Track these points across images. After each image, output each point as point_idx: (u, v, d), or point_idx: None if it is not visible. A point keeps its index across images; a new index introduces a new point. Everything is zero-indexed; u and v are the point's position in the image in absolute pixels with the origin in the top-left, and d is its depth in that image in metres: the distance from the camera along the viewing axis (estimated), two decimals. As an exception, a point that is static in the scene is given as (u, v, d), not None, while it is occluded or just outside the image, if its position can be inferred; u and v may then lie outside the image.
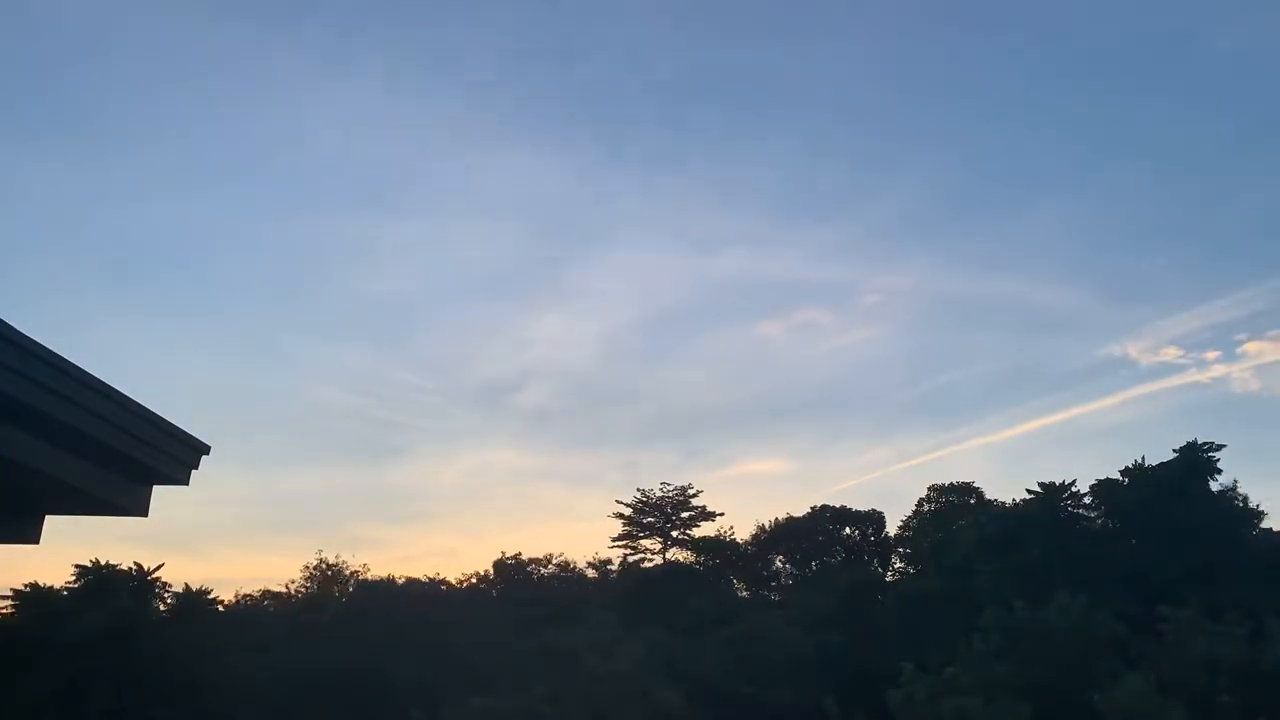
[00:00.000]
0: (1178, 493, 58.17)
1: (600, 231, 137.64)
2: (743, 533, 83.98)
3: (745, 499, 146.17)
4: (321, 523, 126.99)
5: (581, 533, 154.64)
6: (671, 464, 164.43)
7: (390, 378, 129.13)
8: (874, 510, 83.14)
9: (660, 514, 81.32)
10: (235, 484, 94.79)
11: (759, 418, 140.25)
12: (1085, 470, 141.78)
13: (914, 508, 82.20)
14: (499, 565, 76.13)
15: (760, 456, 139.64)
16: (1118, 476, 62.89)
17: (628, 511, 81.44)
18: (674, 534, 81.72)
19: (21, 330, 4.75)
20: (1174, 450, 61.16)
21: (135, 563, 58.87)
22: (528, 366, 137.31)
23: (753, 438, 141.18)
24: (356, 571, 72.45)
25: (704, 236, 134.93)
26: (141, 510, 6.18)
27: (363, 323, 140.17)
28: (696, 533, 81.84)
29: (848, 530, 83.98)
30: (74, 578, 56.85)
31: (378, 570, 74.26)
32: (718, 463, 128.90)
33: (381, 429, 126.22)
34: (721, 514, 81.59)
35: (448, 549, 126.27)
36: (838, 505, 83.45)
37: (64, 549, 56.56)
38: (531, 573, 76.30)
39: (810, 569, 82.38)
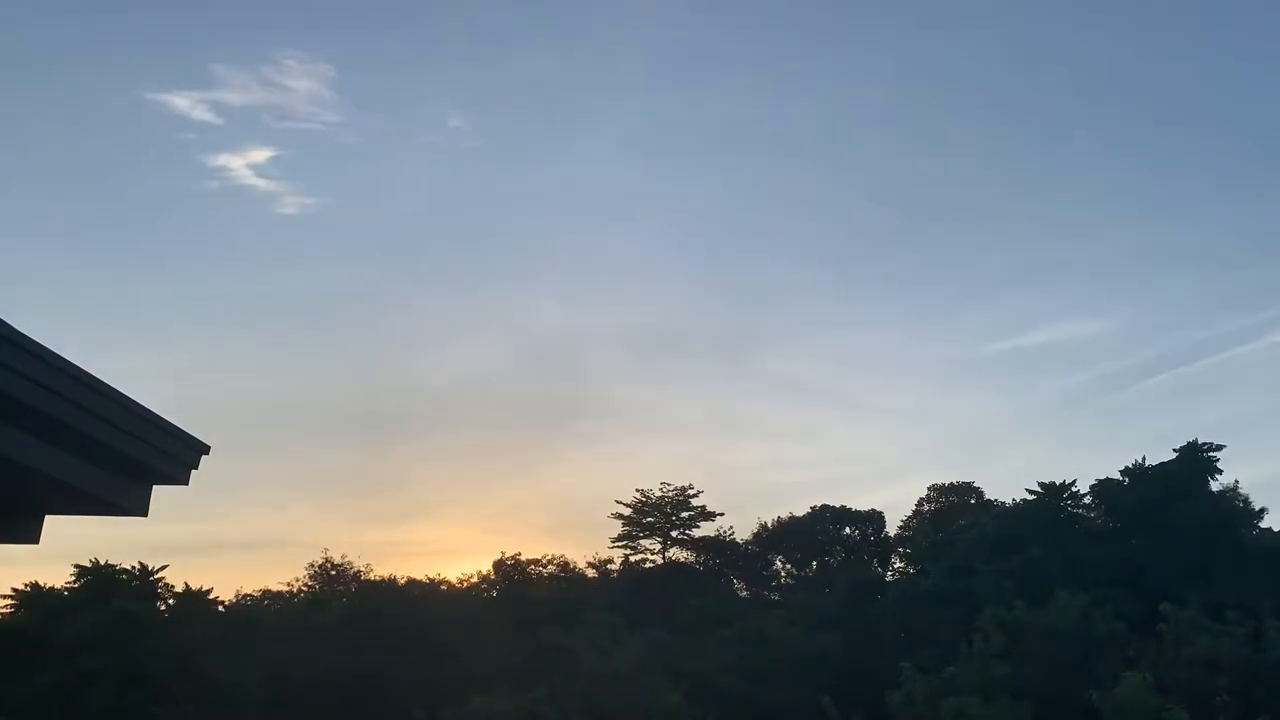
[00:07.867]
0: (1177, 492, 58.15)
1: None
2: (743, 532, 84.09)
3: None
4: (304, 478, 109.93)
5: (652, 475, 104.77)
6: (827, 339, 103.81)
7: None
8: (874, 510, 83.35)
9: (660, 514, 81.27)
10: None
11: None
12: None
13: (914, 507, 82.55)
14: (499, 565, 76.14)
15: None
16: (1118, 476, 62.98)
17: (627, 512, 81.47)
18: (674, 534, 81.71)
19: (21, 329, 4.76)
20: (1174, 450, 61.23)
21: (140, 562, 59.04)
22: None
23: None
24: (360, 571, 72.80)
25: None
26: (141, 510, 6.19)
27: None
28: (696, 533, 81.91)
29: (848, 530, 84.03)
30: (74, 578, 56.90)
31: (380, 567, 74.68)
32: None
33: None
34: (721, 514, 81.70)
35: (466, 501, 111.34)
36: (837, 505, 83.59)
37: (64, 549, 56.52)
38: (531, 573, 76.26)
39: (810, 569, 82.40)
